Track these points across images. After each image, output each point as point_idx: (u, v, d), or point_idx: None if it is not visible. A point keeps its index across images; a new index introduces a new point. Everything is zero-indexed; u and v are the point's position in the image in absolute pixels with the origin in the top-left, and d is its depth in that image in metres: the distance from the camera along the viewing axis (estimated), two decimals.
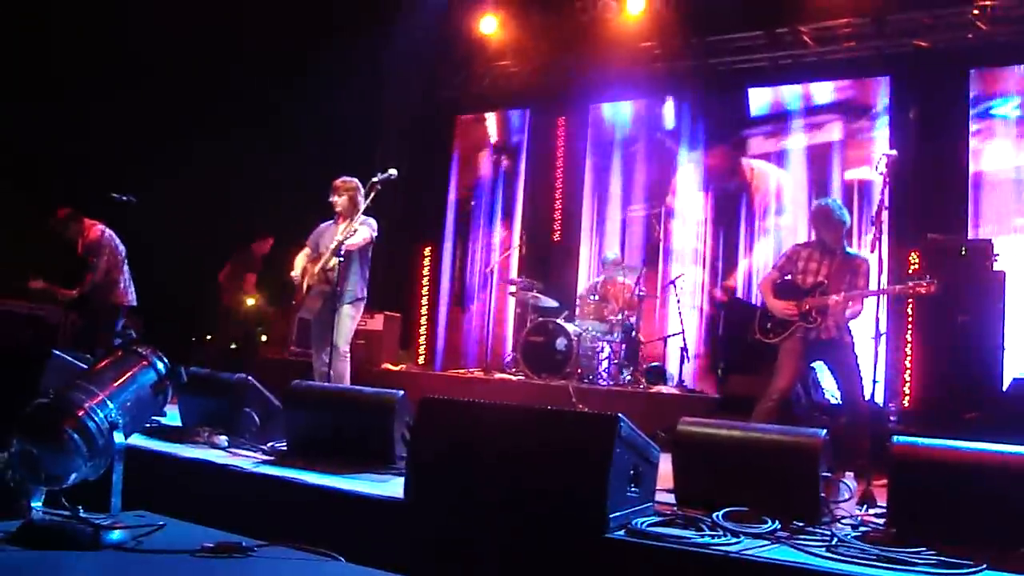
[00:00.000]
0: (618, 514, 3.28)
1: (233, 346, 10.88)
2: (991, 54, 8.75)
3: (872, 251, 5.20)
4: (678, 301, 9.35)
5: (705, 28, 10.11)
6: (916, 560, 3.03)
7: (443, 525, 3.48)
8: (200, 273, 10.06)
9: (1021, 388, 6.35)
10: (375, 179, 6.38)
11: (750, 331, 5.98)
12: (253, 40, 9.81)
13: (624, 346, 9.03)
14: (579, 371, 8.83)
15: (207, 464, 4.42)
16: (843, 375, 5.61)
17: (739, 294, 9.79)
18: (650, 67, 10.58)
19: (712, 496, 3.65)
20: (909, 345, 7.22)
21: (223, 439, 4.93)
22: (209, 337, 10.85)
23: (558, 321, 9.02)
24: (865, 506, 4.09)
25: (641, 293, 9.27)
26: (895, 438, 3.63)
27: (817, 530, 3.45)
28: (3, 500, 2.40)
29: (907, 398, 7.23)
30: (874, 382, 5.06)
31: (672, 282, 9.51)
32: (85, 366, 4.59)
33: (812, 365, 6.42)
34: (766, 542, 3.24)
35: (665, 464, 3.94)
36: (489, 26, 11.07)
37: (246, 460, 4.52)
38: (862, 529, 3.54)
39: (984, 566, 2.98)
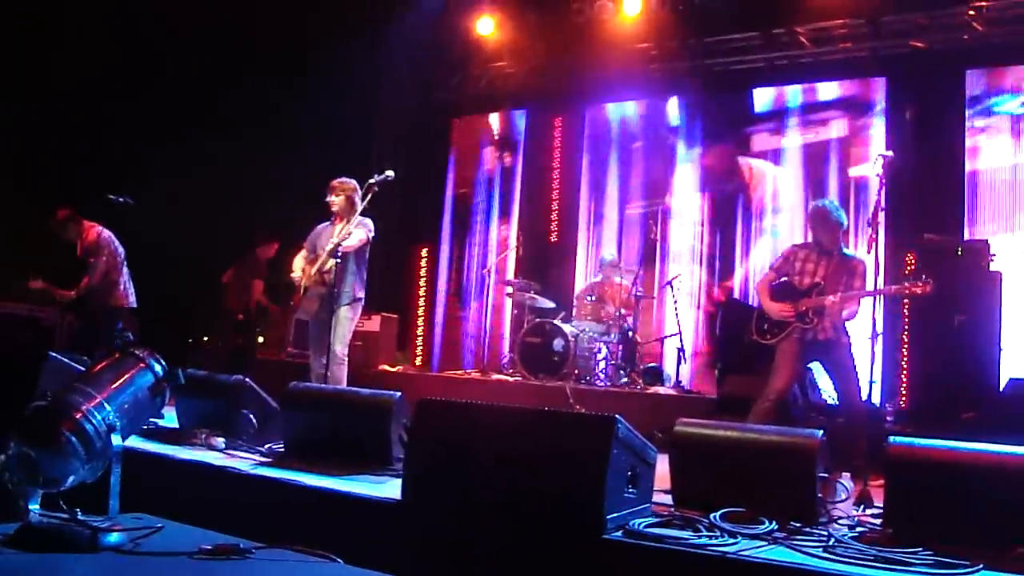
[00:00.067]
0: (615, 515, 3.28)
1: (232, 347, 10.87)
2: (986, 55, 8.77)
3: (868, 251, 5.21)
4: (675, 302, 9.36)
5: (702, 29, 10.12)
6: (913, 560, 3.03)
7: (440, 526, 3.48)
8: (197, 274, 10.04)
9: (1018, 388, 6.35)
10: (372, 180, 6.39)
11: (747, 332, 5.99)
12: (250, 42, 9.82)
13: (621, 347, 9.03)
14: (576, 372, 8.83)
15: (205, 466, 4.42)
16: (840, 376, 5.62)
17: (736, 294, 9.80)
18: (646, 68, 10.59)
19: (709, 497, 3.65)
20: (906, 345, 7.23)
21: (220, 441, 4.92)
22: (206, 339, 10.85)
23: (555, 322, 9.03)
24: (862, 506, 4.10)
25: (638, 294, 9.28)
26: (892, 438, 3.63)
27: (814, 531, 3.46)
28: (0, 502, 2.40)
29: (904, 398, 7.23)
30: (871, 382, 5.07)
31: (669, 283, 9.51)
32: (82, 368, 4.59)
33: (809, 366, 6.43)
34: (763, 543, 3.24)
35: (663, 465, 3.94)
36: (486, 27, 11.08)
37: (244, 462, 4.52)
38: (859, 529, 3.55)
39: (981, 566, 2.99)
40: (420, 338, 11.74)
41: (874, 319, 5.16)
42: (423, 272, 11.93)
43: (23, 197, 9.03)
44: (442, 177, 12.07)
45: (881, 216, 5.24)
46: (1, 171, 9.12)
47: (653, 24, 10.22)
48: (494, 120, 11.99)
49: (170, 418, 5.39)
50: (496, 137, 11.98)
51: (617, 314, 9.01)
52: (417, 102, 11.91)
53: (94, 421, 2.36)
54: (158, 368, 2.61)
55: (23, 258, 8.40)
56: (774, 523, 3.43)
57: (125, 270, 7.82)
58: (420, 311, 11.82)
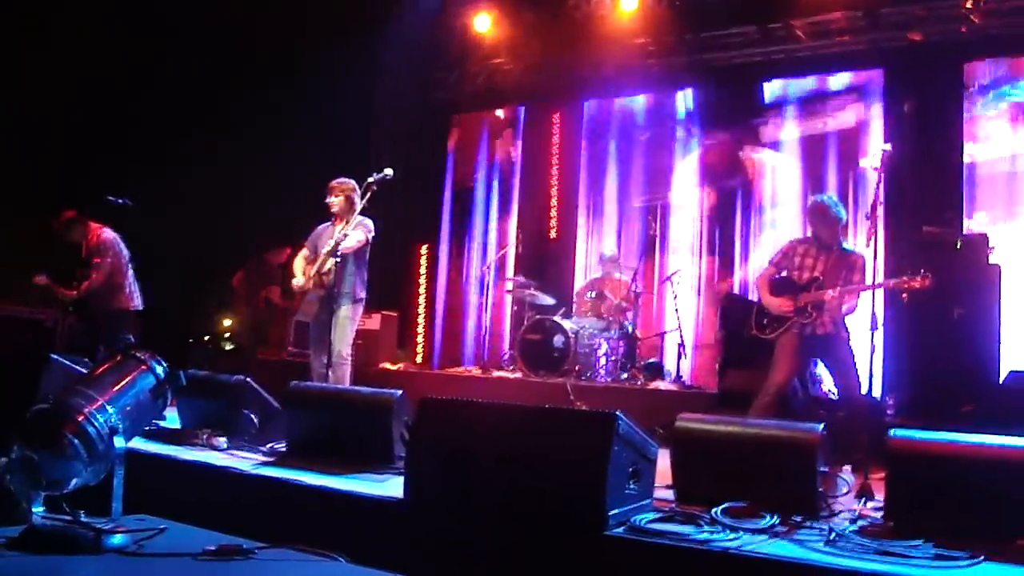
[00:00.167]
0: (617, 511, 3.30)
1: (231, 347, 10.90)
2: (984, 46, 8.75)
3: (868, 245, 5.22)
4: (675, 297, 9.36)
5: (699, 24, 10.10)
6: (914, 553, 3.04)
7: (443, 524, 3.49)
8: (195, 275, 10.06)
9: (1017, 381, 6.36)
10: (370, 179, 6.39)
11: (747, 327, 6.00)
12: (248, 42, 9.81)
13: (622, 343, 9.04)
14: (577, 368, 8.84)
15: (207, 466, 4.43)
16: (839, 370, 5.63)
17: (736, 289, 9.79)
18: (644, 63, 10.58)
19: (711, 492, 3.66)
20: (906, 339, 7.23)
21: (222, 441, 4.94)
22: (207, 338, 10.87)
23: (555, 318, 9.03)
24: (863, 500, 4.10)
25: (638, 290, 9.28)
26: (892, 432, 3.64)
27: (815, 524, 3.47)
28: (3, 505, 2.41)
29: (904, 391, 7.24)
30: (870, 376, 5.07)
31: (668, 278, 9.51)
32: (83, 370, 4.60)
33: (810, 359, 6.43)
34: (765, 537, 3.25)
35: (664, 460, 3.95)
36: (483, 24, 11.07)
37: (245, 462, 4.54)
38: (860, 523, 3.56)
39: (982, 558, 3.00)
40: (421, 336, 11.74)
41: (874, 312, 5.16)
42: (423, 270, 11.93)
43: (23, 199, 9.03)
44: (441, 175, 12.06)
45: (880, 210, 5.24)
46: (1, 173, 9.12)
47: (650, 19, 10.20)
48: (492, 117, 11.98)
49: (172, 419, 5.40)
50: (494, 134, 11.97)
51: (617, 309, 9.01)
52: (415, 100, 11.90)
53: (96, 424, 2.36)
54: (159, 370, 2.61)
55: (24, 260, 8.40)
56: (776, 517, 3.45)
57: (131, 272, 7.81)
58: (420, 309, 11.81)
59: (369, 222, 6.62)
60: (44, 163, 9.44)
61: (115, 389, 2.49)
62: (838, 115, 9.67)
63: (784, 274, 5.89)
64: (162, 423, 5.28)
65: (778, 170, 9.91)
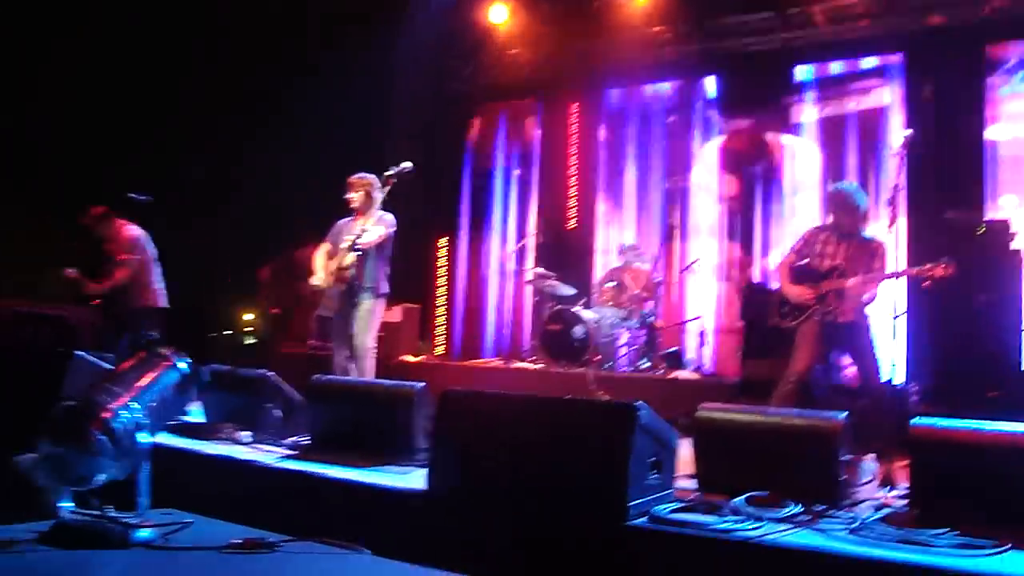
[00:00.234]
0: (639, 501, 3.30)
1: (252, 341, 10.98)
2: (1008, 28, 8.64)
3: (889, 231, 5.17)
4: (695, 285, 9.34)
5: (715, 11, 10.06)
6: (939, 541, 3.03)
7: (465, 516, 3.51)
8: (217, 270, 10.14)
9: None
10: (389, 172, 6.42)
11: (768, 316, 5.98)
12: (264, 37, 9.86)
13: (642, 332, 9.02)
14: (598, 358, 8.83)
15: (231, 460, 4.47)
16: (860, 358, 5.61)
17: (758, 277, 9.75)
18: (660, 51, 10.52)
19: (733, 481, 3.65)
20: (928, 325, 7.19)
21: (246, 435, 4.98)
22: (229, 332, 10.95)
23: (575, 309, 9.03)
24: (887, 488, 4.09)
25: (658, 279, 9.27)
26: (915, 420, 3.63)
27: (839, 513, 3.46)
28: (30, 500, 2.45)
29: (927, 379, 7.19)
30: (893, 364, 5.04)
31: (688, 267, 9.49)
32: (107, 366, 4.66)
33: (831, 347, 6.41)
34: (788, 526, 3.25)
35: (686, 449, 3.95)
36: (499, 15, 11.05)
37: (269, 455, 4.57)
38: (884, 511, 3.54)
39: (1008, 546, 2.98)
40: (442, 328, 11.76)
41: (895, 300, 5.13)
42: (442, 262, 11.94)
43: (47, 197, 9.13)
44: (459, 166, 12.06)
45: (902, 196, 5.20)
46: (25, 173, 9.22)
47: (666, 6, 10.15)
48: (509, 108, 11.97)
49: (196, 413, 5.45)
50: (512, 125, 11.95)
51: (638, 299, 9.00)
52: (432, 93, 11.89)
53: (122, 420, 2.39)
54: (183, 366, 2.64)
55: (47, 257, 8.49)
56: (798, 506, 3.44)
57: (157, 270, 7.88)
58: (441, 301, 11.83)
59: (390, 217, 6.64)
60: (68, 161, 9.53)
61: (139, 385, 2.52)
62: (860, 99, 9.58)
63: (805, 262, 5.86)
64: (186, 418, 5.33)
65: (799, 156, 9.82)
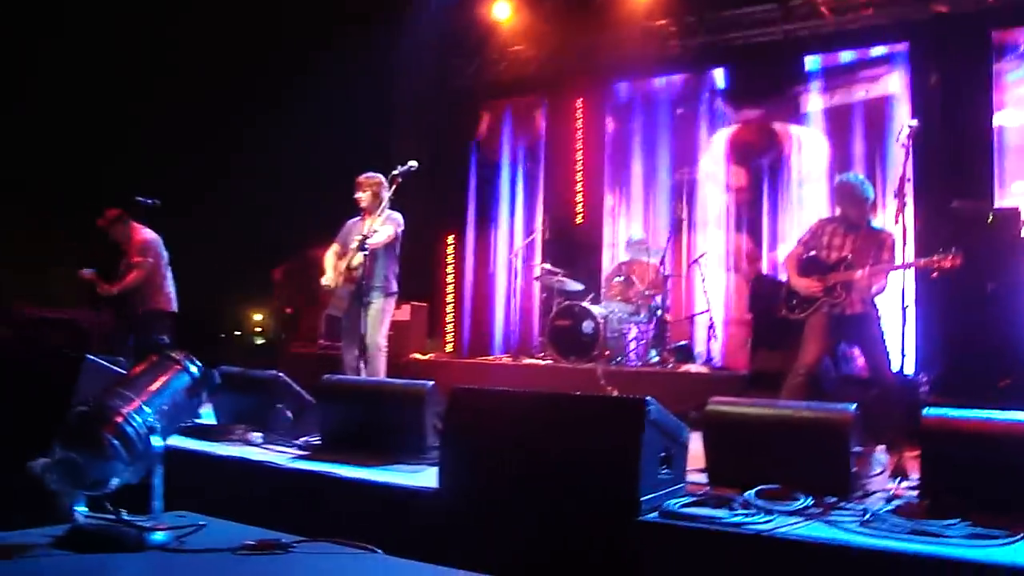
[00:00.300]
0: (650, 496, 3.30)
1: (261, 341, 11.03)
2: (1012, 15, 8.61)
3: (896, 223, 5.17)
4: (703, 279, 9.33)
5: (719, 3, 10.06)
6: (950, 532, 3.03)
7: (477, 513, 3.52)
8: (226, 271, 10.16)
9: None
10: (395, 172, 6.45)
11: (776, 308, 5.98)
12: (267, 37, 9.88)
13: (651, 326, 9.03)
14: (607, 353, 8.84)
15: (243, 461, 4.49)
16: (869, 349, 5.61)
17: (766, 269, 9.74)
18: (664, 45, 10.53)
19: (744, 475, 3.66)
20: (938, 315, 7.17)
21: (258, 436, 4.99)
22: (238, 333, 11.00)
23: (584, 304, 9.03)
24: (898, 479, 4.09)
25: (666, 273, 9.26)
26: (926, 410, 3.63)
27: (850, 505, 3.46)
28: (44, 504, 2.47)
29: (937, 369, 7.18)
30: (902, 354, 5.04)
31: (696, 261, 9.48)
32: (118, 369, 4.68)
33: (840, 338, 6.40)
34: (799, 519, 3.25)
35: (696, 443, 3.96)
36: (502, 12, 11.07)
37: (281, 456, 4.59)
38: (895, 502, 3.54)
39: (1020, 535, 2.98)
40: (450, 325, 11.78)
41: (903, 290, 5.12)
42: (450, 259, 11.96)
43: (55, 202, 9.17)
44: (465, 164, 12.07)
45: (909, 187, 5.19)
46: (34, 178, 9.27)
47: (669, 0, 10.17)
48: (514, 105, 11.97)
49: (207, 414, 5.47)
50: (517, 121, 11.95)
51: (646, 294, 9.00)
52: (436, 90, 11.91)
53: (135, 424, 2.41)
54: (194, 369, 2.65)
55: (56, 262, 8.54)
56: (810, 499, 3.44)
57: (169, 274, 7.92)
58: (449, 298, 11.85)
59: (398, 216, 6.67)
60: (77, 165, 9.57)
61: (151, 389, 2.53)
62: (867, 88, 9.54)
63: (812, 254, 5.86)
64: (198, 420, 5.34)
65: (806, 147, 9.81)
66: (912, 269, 5.82)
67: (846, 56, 9.75)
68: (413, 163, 6.47)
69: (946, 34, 8.91)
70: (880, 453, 4.65)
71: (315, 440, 4.93)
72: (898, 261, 5.47)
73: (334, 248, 6.86)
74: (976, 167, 8.46)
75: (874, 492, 3.79)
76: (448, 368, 9.64)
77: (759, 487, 3.49)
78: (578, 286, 9.57)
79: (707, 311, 9.23)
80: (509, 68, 11.70)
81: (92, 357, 4.78)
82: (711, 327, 9.17)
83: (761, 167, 10.08)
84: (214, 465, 4.51)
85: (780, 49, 9.99)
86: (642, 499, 3.24)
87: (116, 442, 2.37)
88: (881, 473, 4.19)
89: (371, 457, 4.35)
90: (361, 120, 10.25)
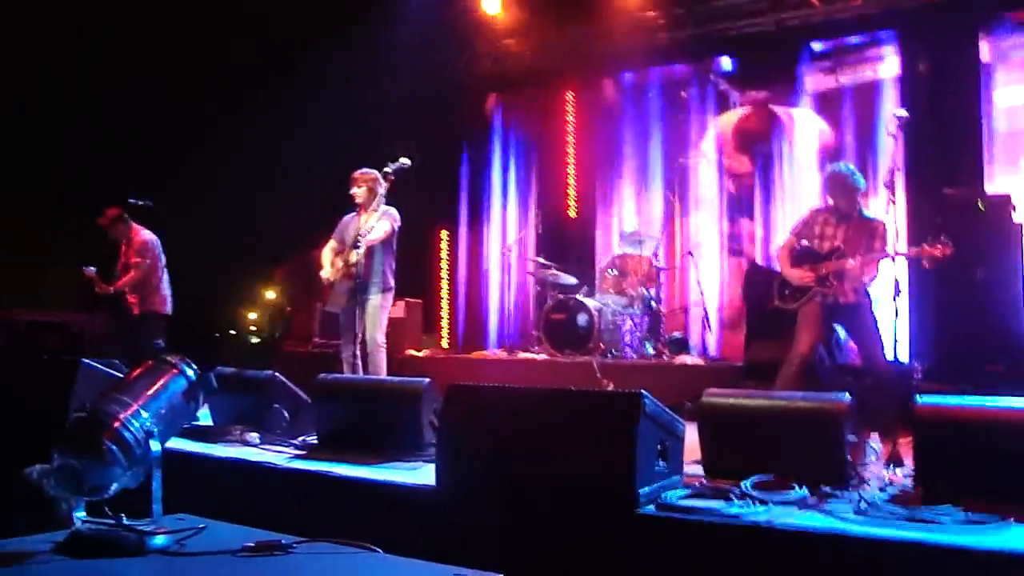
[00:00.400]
0: (647, 489, 3.32)
1: (256, 340, 11.03)
2: (1000, 2, 8.63)
3: (886, 213, 5.19)
4: (697, 270, 9.36)
5: None
6: (944, 518, 3.05)
7: (475, 509, 3.53)
8: (220, 270, 10.16)
9: None
10: (387, 169, 6.45)
11: (769, 298, 6.00)
12: (254, 33, 9.86)
13: (646, 318, 9.05)
14: (602, 346, 8.86)
15: (241, 462, 4.49)
16: (862, 338, 5.63)
17: (759, 260, 9.76)
18: (654, 37, 10.53)
19: (740, 466, 3.67)
20: (930, 302, 7.20)
21: (255, 436, 5.00)
22: (233, 332, 11.00)
23: (578, 297, 9.05)
24: (892, 467, 4.11)
25: (659, 265, 9.28)
26: (919, 398, 3.65)
27: (845, 494, 3.48)
28: (42, 510, 2.48)
29: (930, 356, 7.21)
30: (895, 341, 5.06)
31: (690, 252, 9.50)
32: (113, 372, 4.69)
33: (834, 327, 6.43)
34: (795, 509, 3.27)
35: (692, 435, 3.97)
36: (492, 6, 11.06)
37: (279, 456, 4.59)
38: (890, 490, 3.57)
39: (1012, 519, 3.00)
40: (445, 321, 11.79)
41: (896, 277, 5.15)
42: (444, 255, 11.97)
43: (50, 206, 9.16)
44: (457, 159, 12.06)
45: (899, 176, 5.21)
46: (28, 180, 9.25)
47: None
48: (505, 98, 11.96)
49: (204, 415, 5.47)
50: (508, 115, 11.94)
51: (640, 286, 9.02)
52: (427, 85, 11.89)
53: (132, 429, 2.41)
54: (190, 373, 2.65)
55: (50, 263, 8.52)
56: (805, 489, 3.46)
57: (166, 276, 7.92)
58: (444, 294, 11.86)
59: (394, 211, 6.68)
60: (75, 166, 9.55)
61: (148, 394, 2.53)
62: (857, 76, 9.56)
63: (805, 244, 5.88)
64: (195, 421, 5.35)
65: (800, 135, 9.83)
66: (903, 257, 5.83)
67: (836, 45, 9.75)
68: (405, 160, 6.48)
69: (936, 22, 8.92)
70: (874, 441, 4.67)
71: (312, 439, 4.94)
72: (890, 249, 5.49)
73: (331, 244, 6.88)
74: (966, 153, 8.48)
75: (869, 480, 3.81)
76: (444, 364, 9.65)
77: (755, 477, 3.51)
78: (572, 279, 9.59)
79: (701, 302, 9.25)
80: (499, 62, 11.69)
81: (88, 361, 4.79)
82: (705, 318, 9.20)
83: (754, 156, 10.11)
84: (213, 466, 4.51)
85: (771, 39, 9.98)
86: (640, 492, 3.26)
87: (115, 447, 2.37)
88: (876, 461, 4.21)
89: (368, 455, 4.36)
90: (352, 116, 10.23)
